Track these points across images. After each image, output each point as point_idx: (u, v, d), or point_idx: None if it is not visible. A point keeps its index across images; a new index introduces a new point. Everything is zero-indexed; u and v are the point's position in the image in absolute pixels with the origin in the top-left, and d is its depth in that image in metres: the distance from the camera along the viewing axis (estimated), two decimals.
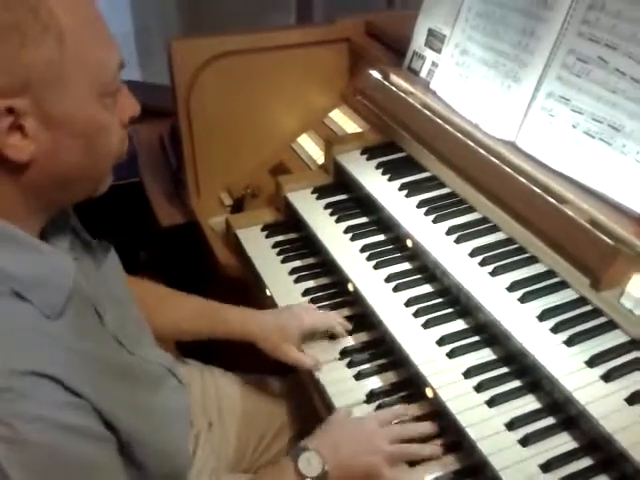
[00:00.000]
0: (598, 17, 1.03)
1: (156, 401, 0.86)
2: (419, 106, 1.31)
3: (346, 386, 1.10)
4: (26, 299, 0.68)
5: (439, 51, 1.38)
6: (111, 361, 0.78)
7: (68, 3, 0.68)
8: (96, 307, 0.80)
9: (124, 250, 1.07)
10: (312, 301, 1.29)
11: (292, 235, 1.48)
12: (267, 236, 1.48)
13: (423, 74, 1.42)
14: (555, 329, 1.01)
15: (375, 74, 1.45)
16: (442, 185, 1.37)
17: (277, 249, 1.43)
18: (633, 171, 0.96)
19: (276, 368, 1.27)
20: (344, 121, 1.71)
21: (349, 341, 1.20)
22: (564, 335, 1.00)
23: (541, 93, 1.11)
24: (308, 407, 1.15)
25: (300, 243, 1.45)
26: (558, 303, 1.06)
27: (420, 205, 1.31)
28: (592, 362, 0.96)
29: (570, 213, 0.95)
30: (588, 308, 1.05)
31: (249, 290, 1.41)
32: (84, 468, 0.69)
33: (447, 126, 1.22)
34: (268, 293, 1.32)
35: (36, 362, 0.65)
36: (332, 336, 1.20)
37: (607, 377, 0.93)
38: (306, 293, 1.31)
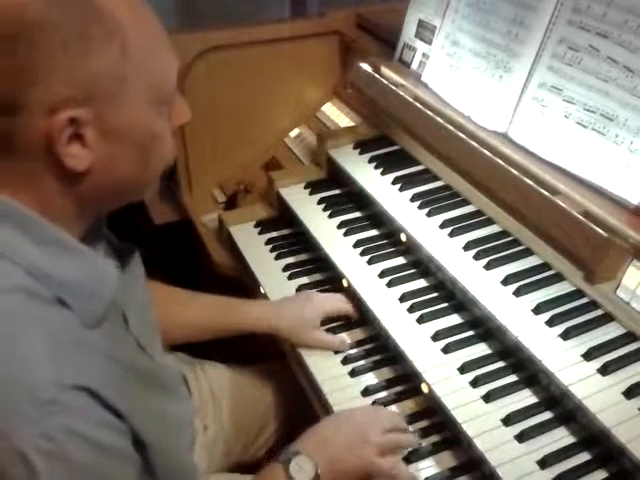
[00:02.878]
0: (589, 5, 1.01)
1: (173, 410, 0.84)
2: (410, 99, 1.29)
3: (341, 383, 1.09)
4: (68, 306, 0.67)
5: (430, 42, 1.36)
6: (139, 369, 0.77)
7: (132, 13, 0.67)
8: (124, 312, 0.79)
9: None
10: None
11: (285, 231, 1.47)
12: (260, 232, 1.46)
13: (414, 66, 1.41)
14: (551, 322, 1.00)
15: (365, 67, 1.43)
16: (436, 178, 1.36)
17: (270, 245, 1.42)
18: (626, 161, 0.95)
19: (258, 354, 1.26)
20: (336, 115, 1.70)
21: (343, 338, 1.18)
22: (560, 328, 0.99)
23: (532, 83, 1.10)
24: (295, 391, 1.14)
25: (293, 239, 1.44)
26: (553, 296, 1.05)
27: (414, 199, 1.30)
28: (588, 355, 0.95)
29: (563, 205, 0.93)
30: (584, 301, 1.04)
31: (244, 287, 1.40)
32: None
33: (439, 119, 1.21)
34: (262, 291, 1.31)
35: (79, 375, 0.64)
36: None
37: (604, 370, 0.92)
38: (300, 289, 1.29)
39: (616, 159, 0.96)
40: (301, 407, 1.13)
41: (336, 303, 1.19)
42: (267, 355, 1.24)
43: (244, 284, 1.40)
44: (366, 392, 1.07)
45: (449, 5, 1.30)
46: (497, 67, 1.18)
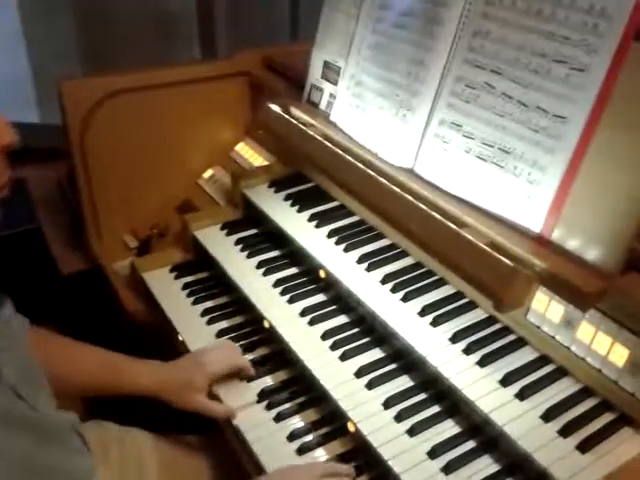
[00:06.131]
0: (482, 44, 1.07)
1: (59, 460, 0.80)
2: (320, 138, 1.31)
3: (266, 430, 1.06)
4: None
5: (336, 83, 1.39)
6: (10, 414, 0.72)
7: None
8: None
9: (24, 302, 1.00)
10: None
11: (202, 275, 1.44)
12: (176, 277, 1.43)
13: (322, 106, 1.43)
14: (467, 350, 1.02)
15: (275, 107, 1.44)
16: (351, 213, 1.38)
17: (187, 290, 1.39)
18: (526, 191, 0.99)
19: (194, 425, 1.21)
20: (250, 154, 1.70)
21: (267, 381, 1.16)
22: (476, 356, 1.01)
23: (434, 121, 1.14)
24: (230, 462, 1.10)
25: (211, 282, 1.41)
26: (469, 324, 1.08)
27: (330, 235, 1.31)
28: (505, 381, 0.97)
29: (469, 237, 0.96)
30: (497, 326, 1.07)
31: (161, 336, 1.35)
32: None
33: (348, 157, 1.23)
34: (180, 338, 1.27)
35: None
36: (250, 379, 1.16)
37: (521, 395, 0.95)
38: (220, 334, 1.26)
39: (516, 190, 1.01)
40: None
41: (227, 364, 1.14)
42: (202, 426, 1.19)
43: (161, 333, 1.34)
44: (292, 437, 1.04)
45: (352, 47, 1.33)
46: (400, 106, 1.21)
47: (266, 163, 1.61)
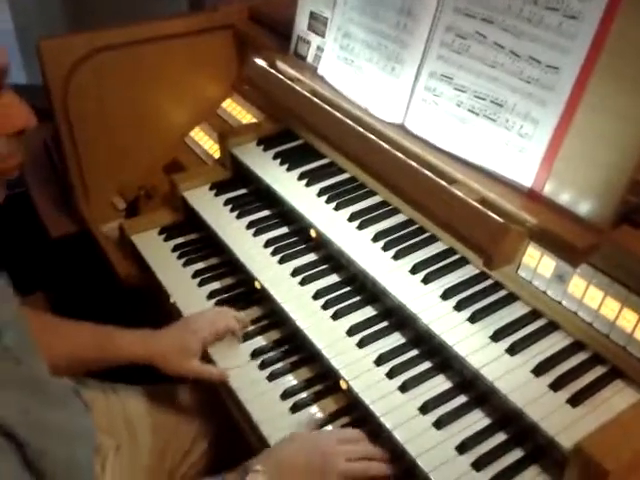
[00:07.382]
0: None
1: (63, 419, 0.81)
2: (307, 94, 1.27)
3: (259, 389, 1.07)
4: None
5: (323, 35, 1.34)
6: (13, 375, 0.73)
7: None
8: None
9: (14, 268, 0.99)
10: (218, 303, 1.24)
11: (192, 236, 1.42)
12: (165, 239, 1.41)
13: (310, 59, 1.39)
14: (458, 307, 1.02)
15: (260, 62, 1.39)
16: (341, 170, 1.35)
17: (177, 252, 1.37)
18: (518, 145, 0.97)
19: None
20: (237, 111, 1.66)
21: (260, 341, 1.16)
22: (467, 312, 1.01)
23: (424, 73, 1.10)
24: (221, 412, 1.11)
25: (201, 244, 1.40)
26: (460, 280, 1.07)
27: (321, 193, 1.29)
28: (496, 336, 0.97)
29: (459, 193, 0.94)
30: (489, 282, 1.07)
31: (153, 299, 1.34)
32: None
33: (336, 113, 1.20)
34: (172, 300, 1.26)
35: None
36: (243, 338, 1.16)
37: (512, 350, 0.95)
38: (211, 296, 1.26)
39: (508, 144, 0.98)
40: (230, 429, 1.09)
41: (217, 327, 1.14)
42: None
43: (153, 295, 1.34)
44: (285, 395, 1.05)
45: None
46: (389, 58, 1.17)
47: (254, 120, 1.57)
